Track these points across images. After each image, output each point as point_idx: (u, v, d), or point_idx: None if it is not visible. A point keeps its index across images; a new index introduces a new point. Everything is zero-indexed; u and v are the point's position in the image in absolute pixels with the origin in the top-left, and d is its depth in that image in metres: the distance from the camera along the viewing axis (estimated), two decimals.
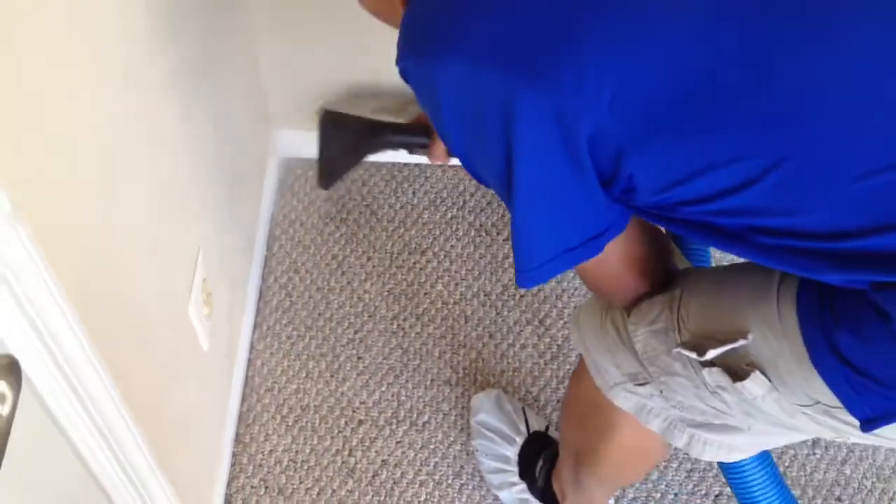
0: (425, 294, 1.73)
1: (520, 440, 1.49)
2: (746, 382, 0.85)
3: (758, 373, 0.84)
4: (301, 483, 1.53)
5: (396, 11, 0.86)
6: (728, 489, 1.54)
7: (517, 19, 0.74)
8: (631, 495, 1.54)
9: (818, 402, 0.82)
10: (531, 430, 1.50)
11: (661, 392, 0.99)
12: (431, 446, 1.58)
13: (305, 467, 1.55)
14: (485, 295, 1.73)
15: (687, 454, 1.47)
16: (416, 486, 1.54)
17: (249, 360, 1.64)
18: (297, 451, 1.56)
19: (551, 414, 1.60)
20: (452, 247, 1.78)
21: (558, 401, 1.62)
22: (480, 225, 1.81)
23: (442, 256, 1.77)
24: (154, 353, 1.11)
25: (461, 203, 1.84)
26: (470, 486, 1.54)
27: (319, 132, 1.54)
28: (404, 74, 0.82)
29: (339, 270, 1.75)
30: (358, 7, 0.96)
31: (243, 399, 1.60)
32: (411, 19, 0.82)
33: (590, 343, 1.08)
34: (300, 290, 1.72)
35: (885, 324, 0.75)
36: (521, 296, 1.73)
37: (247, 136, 1.67)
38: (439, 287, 1.74)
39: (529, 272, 0.88)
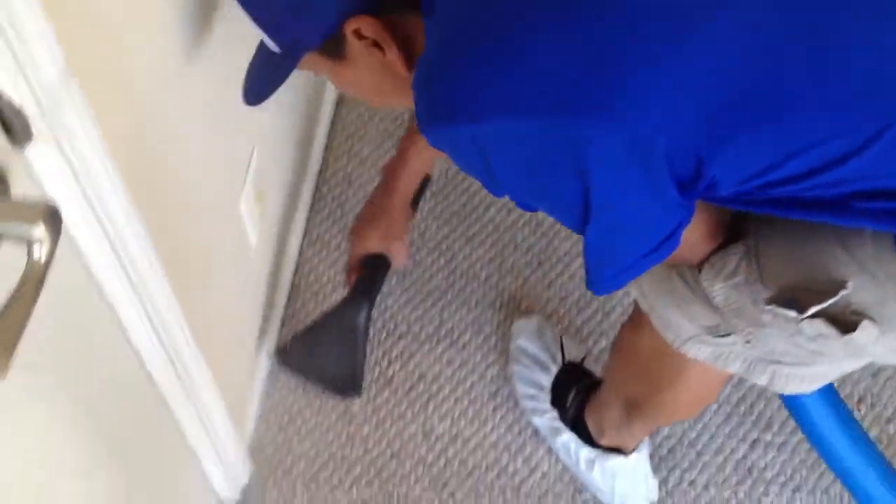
0: (477, 218, 1.72)
1: (555, 369, 1.49)
2: (856, 334, 0.82)
3: (866, 322, 0.81)
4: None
5: (397, 83, 0.82)
6: (766, 435, 1.53)
7: (557, 60, 0.71)
8: (666, 432, 1.53)
9: None
10: (566, 360, 1.50)
11: (749, 342, 0.96)
12: (469, 366, 1.58)
13: None
14: (537, 223, 1.72)
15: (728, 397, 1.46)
16: (451, 402, 1.55)
17: (297, 266, 1.66)
18: None
19: (592, 346, 1.59)
20: None
21: (601, 333, 1.60)
22: None
23: None
24: (200, 236, 1.13)
25: None
26: (504, 409, 1.55)
27: (298, 371, 1.49)
28: (436, 142, 0.79)
29: None
30: None
31: (288, 302, 1.62)
32: (433, 84, 0.77)
33: (654, 299, 1.04)
34: (352, 203, 1.73)
35: None
36: None
37: None
38: (492, 211, 1.73)
39: (604, 283, 0.87)
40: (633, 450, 1.40)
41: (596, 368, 1.50)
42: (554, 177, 0.77)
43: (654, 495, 1.47)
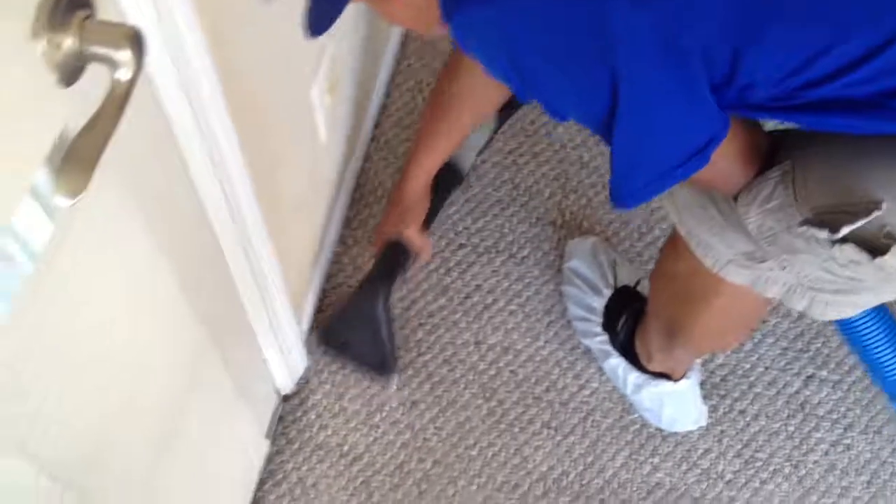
0: (545, 134, 1.71)
1: (608, 292, 1.48)
2: (887, 257, 0.80)
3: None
4: (394, 292, 1.57)
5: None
6: (822, 372, 1.51)
7: None
8: (720, 360, 1.52)
9: None
10: (619, 285, 1.49)
11: (784, 268, 0.95)
12: (526, 280, 1.58)
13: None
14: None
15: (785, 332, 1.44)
16: (506, 314, 1.56)
17: (363, 168, 1.67)
18: None
19: (649, 271, 1.58)
20: None
21: None
22: None
23: None
24: (273, 115, 1.13)
25: None
26: (557, 325, 1.55)
27: (336, 353, 1.49)
28: (460, 31, 0.78)
29: None
30: None
31: (352, 203, 1.63)
32: None
33: (692, 225, 1.02)
34: (421, 111, 1.72)
35: None
36: None
37: None
38: (560, 129, 1.71)
39: (628, 196, 0.85)
40: (683, 376, 1.40)
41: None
42: (581, 67, 0.76)
43: (704, 420, 1.47)
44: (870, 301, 1.00)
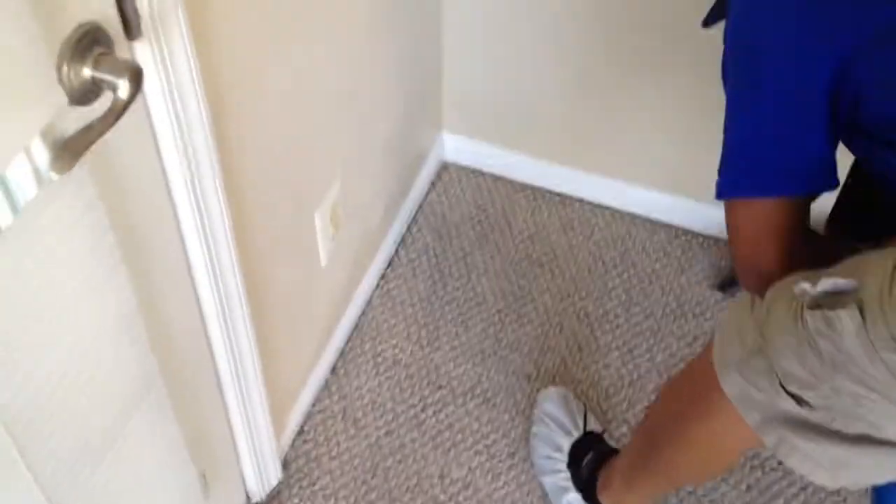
0: (532, 300, 1.88)
1: (576, 434, 1.60)
2: (841, 312, 0.88)
3: (854, 307, 0.88)
4: (374, 421, 1.70)
5: None
6: None
7: None
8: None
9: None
10: (588, 429, 1.60)
11: (764, 355, 1.00)
12: (496, 423, 1.70)
13: (382, 410, 1.72)
14: (585, 315, 1.86)
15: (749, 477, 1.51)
16: (472, 452, 1.67)
17: (364, 310, 1.85)
18: (379, 394, 1.74)
19: (614, 430, 1.69)
20: (568, 268, 1.93)
21: (624, 420, 1.70)
22: (600, 256, 1.95)
23: (556, 273, 1.92)
24: (273, 228, 1.34)
25: (589, 234, 1.99)
26: (518, 468, 1.65)
27: None
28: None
29: (464, 262, 1.94)
30: None
31: (348, 339, 1.81)
32: None
33: (725, 324, 1.10)
34: (424, 268, 1.93)
35: None
36: (617, 322, 1.84)
37: (418, 116, 1.92)
38: (546, 297, 1.88)
39: (731, 183, 1.01)
40: None
41: (614, 446, 1.60)
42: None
43: None
44: (830, 463, 1.02)
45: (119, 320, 0.95)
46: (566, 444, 1.59)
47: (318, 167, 1.47)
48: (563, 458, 1.58)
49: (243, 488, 1.57)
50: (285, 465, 1.64)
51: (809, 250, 1.03)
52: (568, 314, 1.86)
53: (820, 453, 1.02)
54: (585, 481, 1.53)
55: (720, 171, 1.02)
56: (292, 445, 1.67)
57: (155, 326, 1.04)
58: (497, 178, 2.08)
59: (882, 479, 1.05)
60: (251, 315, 1.28)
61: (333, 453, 1.67)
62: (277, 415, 1.56)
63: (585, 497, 1.52)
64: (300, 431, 1.69)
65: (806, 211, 1.04)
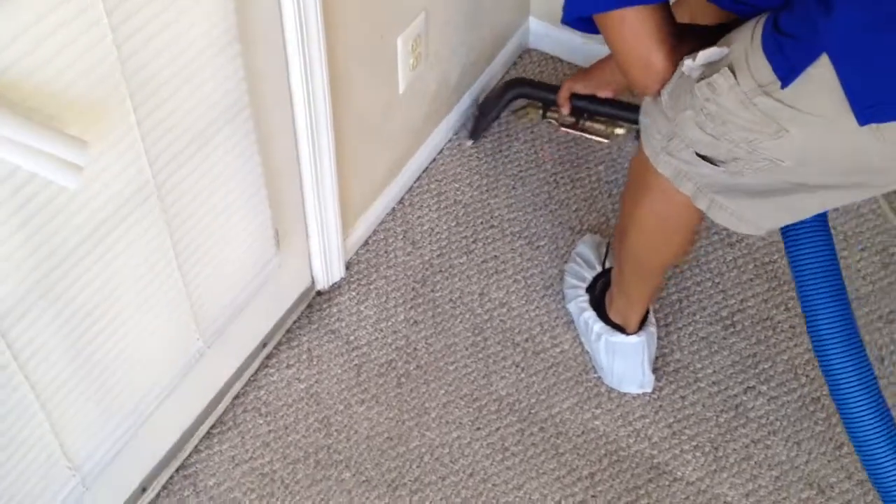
0: (587, 168, 2.07)
1: (599, 268, 1.80)
2: (716, 76, 1.12)
3: (727, 69, 1.12)
4: (430, 244, 1.93)
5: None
6: (763, 387, 1.73)
7: None
8: (677, 356, 1.77)
9: (760, 86, 1.09)
10: (608, 266, 1.80)
11: (677, 134, 1.26)
12: (536, 261, 1.91)
13: (438, 237, 1.94)
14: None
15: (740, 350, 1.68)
16: (511, 280, 1.88)
17: (434, 157, 2.08)
18: (437, 225, 1.96)
19: None
20: (626, 143, 2.12)
21: None
22: None
23: (614, 148, 2.11)
24: (358, 51, 1.58)
25: None
26: (549, 298, 1.85)
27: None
28: None
29: (530, 131, 2.14)
30: None
31: (417, 178, 2.04)
32: None
33: (646, 124, 1.35)
34: (493, 130, 2.14)
35: None
36: None
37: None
38: (601, 168, 2.07)
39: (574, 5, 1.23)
40: (635, 332, 1.67)
41: None
42: None
43: (649, 387, 1.71)
44: (752, 213, 1.28)
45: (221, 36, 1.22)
46: (589, 275, 1.79)
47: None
48: (584, 285, 1.79)
49: (310, 273, 1.82)
50: (348, 266, 1.88)
51: (689, 45, 1.21)
52: (619, 184, 2.05)
53: (744, 208, 1.27)
54: (596, 301, 1.74)
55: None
56: (356, 253, 1.91)
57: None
58: (575, 67, 2.28)
59: (794, 218, 1.31)
60: (332, 114, 1.53)
61: (391, 263, 1.91)
62: (346, 220, 1.80)
63: (599, 316, 1.72)
64: (364, 243, 1.93)
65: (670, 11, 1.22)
